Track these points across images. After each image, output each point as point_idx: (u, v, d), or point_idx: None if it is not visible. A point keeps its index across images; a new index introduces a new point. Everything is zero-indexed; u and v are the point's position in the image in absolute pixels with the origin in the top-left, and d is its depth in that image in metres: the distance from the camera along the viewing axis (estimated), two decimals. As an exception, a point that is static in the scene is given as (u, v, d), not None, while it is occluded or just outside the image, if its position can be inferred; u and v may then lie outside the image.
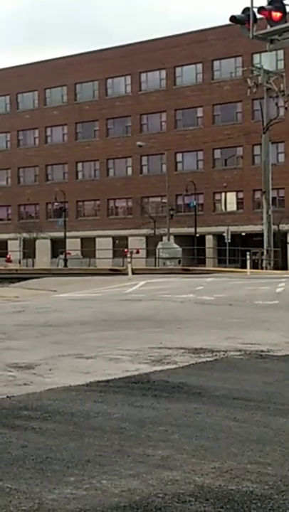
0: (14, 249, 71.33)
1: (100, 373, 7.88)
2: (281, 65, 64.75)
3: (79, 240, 74.78)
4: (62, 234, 67.65)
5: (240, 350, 9.48)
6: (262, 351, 9.43)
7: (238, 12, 21.18)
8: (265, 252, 44.95)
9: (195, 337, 10.94)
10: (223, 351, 9.40)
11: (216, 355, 9.14)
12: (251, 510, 3.82)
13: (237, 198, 69.41)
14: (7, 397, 6.70)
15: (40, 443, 5.12)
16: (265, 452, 4.88)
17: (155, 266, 52.51)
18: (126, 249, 45.49)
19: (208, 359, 8.83)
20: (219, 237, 65.38)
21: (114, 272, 40.14)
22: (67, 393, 6.81)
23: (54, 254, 73.23)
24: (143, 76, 74.43)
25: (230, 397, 6.61)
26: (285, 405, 6.31)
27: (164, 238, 63.33)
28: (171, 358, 8.88)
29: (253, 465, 4.60)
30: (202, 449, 4.96)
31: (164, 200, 67.43)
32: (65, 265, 59.60)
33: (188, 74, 71.73)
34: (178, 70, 72.32)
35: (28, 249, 70.81)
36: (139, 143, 64.86)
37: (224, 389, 6.98)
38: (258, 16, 20.32)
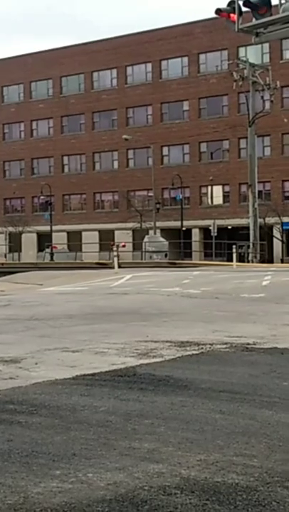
0: (0, 243, 71.15)
1: (86, 367, 7.87)
2: (267, 59, 64.85)
3: (65, 233, 74.65)
4: (48, 228, 67.51)
5: (226, 343, 9.50)
6: (248, 344, 9.45)
7: (223, 5, 21.13)
8: (251, 246, 45.03)
9: (181, 330, 10.95)
10: (210, 344, 9.41)
11: (202, 348, 9.14)
12: (237, 502, 3.83)
13: (223, 192, 69.46)
14: (-7, 391, 6.68)
15: (26, 437, 5.11)
16: (251, 444, 4.89)
17: (141, 259, 52.48)
18: (112, 243, 45.49)
19: (195, 352, 8.84)
20: (205, 231, 65.44)
21: (100, 266, 40.10)
22: (53, 387, 6.80)
23: (40, 248, 73.08)
24: (129, 69, 74.28)
25: (216, 390, 6.62)
26: (270, 397, 6.32)
27: (151, 232, 63.32)
28: (157, 352, 8.89)
29: (238, 457, 4.60)
30: (188, 441, 4.97)
31: (150, 194, 67.39)
32: (52, 259, 59.49)
33: (174, 67, 71.64)
34: (164, 63, 72.21)
35: (14, 243, 70.61)
36: (125, 136, 64.76)
37: (210, 382, 6.99)
38: (244, 8, 20.27)
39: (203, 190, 70.36)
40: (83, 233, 73.92)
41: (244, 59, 48.89)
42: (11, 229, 72.41)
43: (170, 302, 15.93)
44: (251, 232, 44.79)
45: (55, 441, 4.98)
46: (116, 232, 70.74)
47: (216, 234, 59.04)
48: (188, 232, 66.47)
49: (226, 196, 69.22)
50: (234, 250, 37.84)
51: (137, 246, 61.16)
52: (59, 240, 70.43)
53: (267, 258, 54.56)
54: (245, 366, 7.88)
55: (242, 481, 4.15)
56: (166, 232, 64.81)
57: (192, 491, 3.99)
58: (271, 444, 4.90)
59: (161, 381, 7.02)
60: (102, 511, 3.72)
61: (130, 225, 69.17)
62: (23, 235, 75.64)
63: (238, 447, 4.83)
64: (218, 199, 69.58)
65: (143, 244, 55.77)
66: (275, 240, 64.17)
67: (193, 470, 4.35)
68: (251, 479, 4.18)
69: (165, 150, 71.94)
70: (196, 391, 6.58)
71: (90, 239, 70.94)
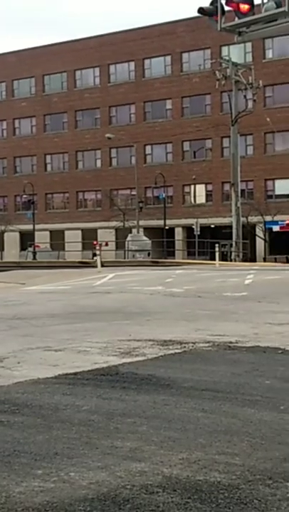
0: (-18, 242, 70.97)
1: (69, 366, 7.86)
2: (249, 58, 65.00)
3: (48, 232, 74.47)
4: (31, 227, 67.32)
5: (208, 342, 9.51)
6: (230, 343, 9.47)
7: (206, 4, 21.15)
8: (234, 244, 45.12)
9: (164, 329, 10.95)
10: (192, 343, 9.41)
11: (184, 346, 9.15)
12: (218, 500, 3.84)
13: (206, 191, 69.56)
14: (-25, 390, 6.65)
15: (8, 436, 5.09)
16: (233, 443, 4.90)
17: (124, 258, 52.48)
18: (95, 242, 45.46)
19: (177, 351, 8.84)
20: (188, 230, 65.52)
21: (83, 265, 40.05)
22: (35, 386, 6.79)
23: (23, 247, 72.89)
24: (112, 68, 74.21)
25: (198, 389, 6.62)
26: (253, 396, 6.34)
27: (134, 230, 63.29)
28: (140, 350, 8.89)
29: (220, 456, 4.61)
30: (170, 440, 4.97)
31: (133, 193, 67.38)
32: (34, 258, 59.34)
33: (157, 66, 71.64)
34: (147, 61, 72.20)
35: (-3, 242, 70.41)
36: (108, 135, 64.68)
37: (193, 380, 7.00)
38: (226, 8, 20.29)
39: (186, 189, 70.43)
40: (66, 232, 73.77)
41: (227, 58, 48.90)
42: (-7, 228, 72.26)
43: (153, 301, 15.94)
44: (234, 231, 44.88)
45: (37, 441, 4.97)
46: (99, 231, 70.67)
47: (198, 233, 59.13)
48: (171, 231, 66.51)
49: (208, 195, 69.33)
50: (217, 249, 37.91)
51: (120, 245, 61.14)
52: (42, 238, 70.26)
53: (249, 257, 54.68)
54: (227, 365, 7.89)
55: (224, 479, 4.16)
56: (149, 231, 64.82)
57: (174, 489, 4.00)
58: (253, 443, 4.91)
59: (143, 380, 7.02)
60: (84, 510, 3.72)
61: (113, 223, 69.13)
62: (6, 234, 75.41)
63: (220, 446, 4.84)
64: (200, 198, 69.67)
65: (126, 243, 55.75)
66: (257, 238, 64.34)
67: (176, 468, 4.36)
68: (233, 477, 4.19)
69: (148, 149, 71.95)
70: (178, 390, 6.59)
71: (73, 238, 70.82)
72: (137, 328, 11.16)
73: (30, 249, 63.76)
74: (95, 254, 36.22)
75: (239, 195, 45.72)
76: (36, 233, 67.72)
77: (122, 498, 3.86)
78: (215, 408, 5.89)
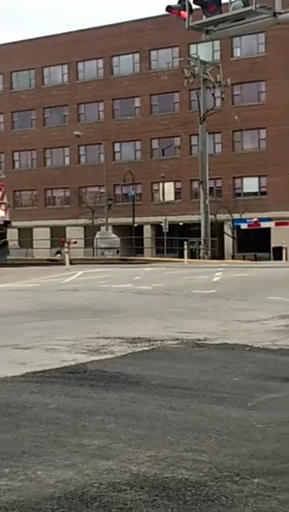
0: None
1: (37, 364, 7.82)
2: (217, 56, 65.26)
3: (16, 230, 74.09)
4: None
5: (177, 339, 9.52)
6: (199, 340, 9.49)
7: (174, 2, 21.19)
8: (202, 242, 45.29)
9: (132, 326, 10.95)
10: (161, 340, 9.42)
11: (153, 344, 9.16)
12: (186, 497, 3.84)
13: (175, 188, 69.74)
14: None
15: (-25, 435, 5.05)
16: (201, 440, 4.91)
17: (93, 256, 52.41)
18: (63, 240, 45.32)
19: (146, 348, 8.85)
20: (157, 227, 65.61)
21: (52, 263, 39.91)
22: (2, 384, 6.75)
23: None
24: (80, 65, 74.05)
25: (166, 386, 6.63)
26: (220, 393, 6.36)
27: (102, 228, 63.26)
28: (108, 348, 8.87)
29: (188, 453, 4.62)
30: (138, 437, 4.97)
31: (102, 190, 67.35)
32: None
33: (126, 63, 71.64)
34: (115, 59, 72.15)
35: None
36: (76, 132, 64.55)
37: (161, 378, 7.00)
38: (194, 6, 20.36)
39: (155, 186, 70.54)
40: (34, 230, 73.51)
41: (195, 56, 49.07)
42: None
43: (121, 298, 15.93)
44: (202, 228, 45.06)
45: (4, 439, 4.94)
46: (67, 229, 70.51)
47: (167, 230, 59.25)
48: (140, 229, 66.58)
49: (177, 193, 69.51)
50: (185, 247, 38.02)
51: (88, 242, 61.08)
52: (10, 236, 69.72)
53: (218, 254, 54.94)
54: (195, 362, 7.91)
55: (191, 476, 4.17)
56: (117, 228, 64.82)
57: (142, 487, 3.99)
58: (220, 439, 4.93)
59: (112, 377, 7.01)
60: (52, 509, 3.71)
61: (82, 221, 69.01)
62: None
63: (188, 443, 4.85)
64: (169, 195, 69.82)
65: (95, 240, 55.70)
66: (226, 236, 64.64)
67: (143, 466, 4.35)
68: (200, 474, 4.20)
69: (117, 146, 71.93)
70: (146, 387, 6.59)
71: (42, 235, 70.59)
72: (106, 325, 11.15)
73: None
74: (59, 252, 36.28)
75: (207, 193, 45.90)
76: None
77: (89, 496, 3.85)
78: (183, 405, 5.89)
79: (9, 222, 36.13)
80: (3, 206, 35.77)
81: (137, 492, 3.91)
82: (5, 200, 36.11)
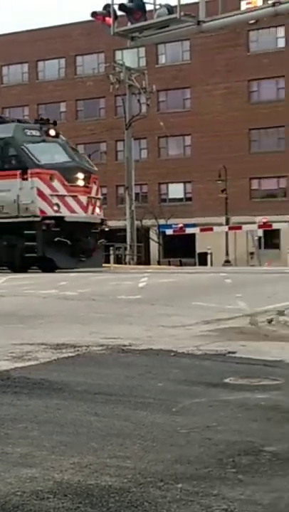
0: None
1: None
2: (143, 63, 65.60)
3: None
4: None
5: (102, 345, 9.50)
6: (124, 346, 9.48)
7: (100, 8, 21.25)
8: (128, 247, 45.39)
9: (57, 332, 10.87)
10: (86, 346, 9.38)
11: (78, 350, 9.11)
12: (109, 504, 3.83)
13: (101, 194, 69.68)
14: None
15: None
16: (125, 446, 4.90)
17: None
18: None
19: (70, 354, 8.79)
20: (83, 233, 65.39)
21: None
22: None
23: None
24: (5, 69, 73.42)
25: (91, 392, 6.60)
26: (145, 398, 6.37)
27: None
28: (32, 354, 8.79)
29: (112, 459, 4.61)
30: (62, 444, 4.93)
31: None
32: None
33: (51, 68, 71.37)
34: (40, 64, 71.80)
35: None
36: (1, 137, 63.87)
37: (86, 384, 6.97)
38: (119, 12, 20.43)
39: (81, 192, 70.30)
40: None
41: (120, 62, 49.21)
42: None
43: (46, 304, 15.81)
44: (128, 234, 45.18)
45: None
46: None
47: (93, 236, 59.06)
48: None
49: (103, 198, 69.45)
50: (111, 252, 38.03)
51: (13, 248, 60.36)
52: None
53: (144, 260, 55.14)
54: (121, 368, 7.90)
55: (115, 482, 4.15)
56: (43, 234, 64.30)
57: (65, 494, 3.96)
58: (145, 445, 4.93)
59: (36, 384, 6.94)
60: (-27, 519, 3.64)
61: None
62: None
63: (112, 449, 4.83)
64: (95, 201, 69.69)
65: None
66: (151, 242, 64.94)
67: (67, 473, 4.32)
68: (124, 481, 4.19)
69: (42, 151, 71.43)
70: (71, 394, 6.55)
71: None
72: (30, 331, 11.04)
73: None
74: None
75: (133, 198, 46.06)
76: None
77: (11, 505, 3.80)
78: (108, 411, 5.88)
79: (106, 220, 32.76)
80: (98, 202, 32.19)
81: (60, 500, 3.88)
82: (100, 195, 32.19)
